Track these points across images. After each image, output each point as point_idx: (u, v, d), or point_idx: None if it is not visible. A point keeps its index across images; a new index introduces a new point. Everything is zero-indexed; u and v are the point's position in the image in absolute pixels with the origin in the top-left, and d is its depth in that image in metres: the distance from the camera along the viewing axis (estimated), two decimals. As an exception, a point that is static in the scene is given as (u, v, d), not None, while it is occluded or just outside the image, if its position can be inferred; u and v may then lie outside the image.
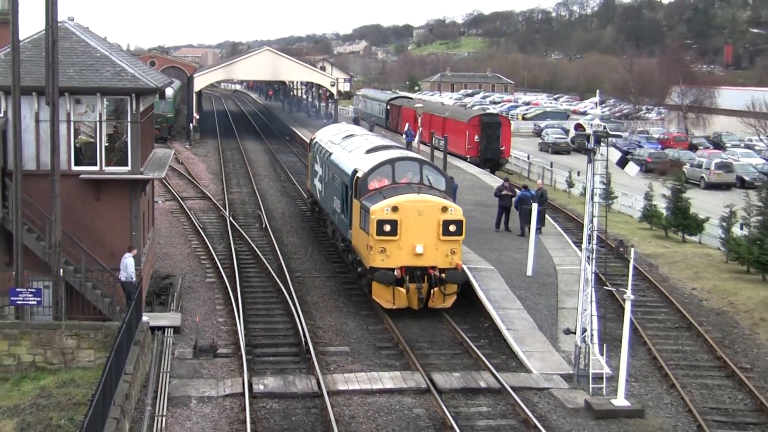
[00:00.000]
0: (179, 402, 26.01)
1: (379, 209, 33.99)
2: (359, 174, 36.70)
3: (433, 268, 34.22)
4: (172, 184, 60.71)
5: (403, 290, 33.90)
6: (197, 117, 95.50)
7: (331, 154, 44.40)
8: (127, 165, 32.28)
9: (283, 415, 25.54)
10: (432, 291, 34.38)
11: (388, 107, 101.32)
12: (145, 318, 30.00)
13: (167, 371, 27.87)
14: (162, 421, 24.44)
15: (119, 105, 32.60)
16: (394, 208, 33.87)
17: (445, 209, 34.32)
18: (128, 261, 31.50)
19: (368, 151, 39.95)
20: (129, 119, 32.19)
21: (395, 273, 33.81)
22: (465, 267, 35.79)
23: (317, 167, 48.50)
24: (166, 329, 31.37)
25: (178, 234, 47.71)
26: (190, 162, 75.01)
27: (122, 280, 31.33)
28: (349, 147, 43.11)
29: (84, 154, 32.45)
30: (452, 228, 34.28)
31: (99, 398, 20.79)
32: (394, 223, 33.81)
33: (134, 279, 31.35)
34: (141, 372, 27.09)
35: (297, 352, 30.45)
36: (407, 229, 33.97)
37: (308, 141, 58.34)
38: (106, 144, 32.43)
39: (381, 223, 33.77)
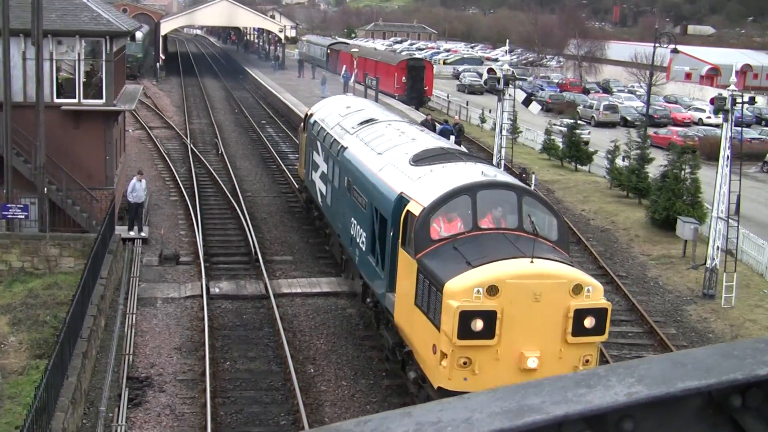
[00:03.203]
0: (147, 302, 26.07)
1: (464, 290, 16.51)
2: (413, 208, 18.84)
3: None
4: (140, 115, 59.86)
5: None
6: (163, 58, 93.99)
7: (344, 148, 26.54)
8: (102, 98, 31.90)
9: (236, 314, 25.73)
10: None
11: (329, 51, 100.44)
12: (117, 230, 29.92)
13: (137, 276, 27.88)
14: (132, 318, 24.50)
15: (95, 46, 32.11)
16: (492, 290, 16.43)
17: (578, 289, 16.83)
18: (135, 183, 32.10)
19: (418, 160, 21.56)
20: (104, 58, 31.75)
21: None
22: None
23: (317, 158, 30.87)
24: (136, 240, 31.32)
25: (146, 159, 47.19)
26: (156, 96, 73.92)
27: (130, 200, 31.88)
28: (376, 143, 24.83)
29: (65, 88, 31.99)
30: (589, 322, 16.90)
31: (79, 298, 20.85)
32: (490, 317, 16.49)
33: (142, 200, 32.23)
34: (114, 277, 27.07)
35: (248, 261, 30.51)
36: (513, 326, 16.63)
37: (303, 116, 37.68)
38: (84, 80, 32.00)
39: (467, 317, 16.37)
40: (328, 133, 29.67)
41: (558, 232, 18.92)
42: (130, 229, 31.78)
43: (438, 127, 44.52)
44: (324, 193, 29.68)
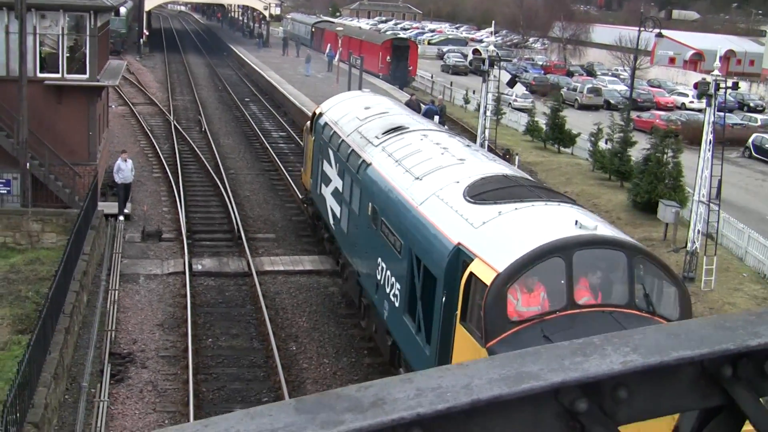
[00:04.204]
0: (129, 278, 26.04)
1: None
2: (480, 270, 13.98)
3: None
4: (124, 91, 59.59)
5: None
6: (147, 33, 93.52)
7: (366, 163, 21.52)
8: (85, 73, 31.72)
9: (218, 291, 25.74)
10: None
11: (313, 30, 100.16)
12: (100, 206, 29.82)
13: (119, 252, 27.83)
14: (115, 294, 24.49)
15: (79, 20, 31.91)
16: None
17: None
18: (120, 164, 31.93)
19: (477, 195, 16.37)
20: (87, 33, 31.58)
21: None
22: None
23: (329, 170, 25.82)
24: (118, 218, 31.23)
25: (129, 135, 47.00)
26: (140, 72, 73.53)
27: (117, 181, 31.84)
28: (411, 161, 19.72)
29: (48, 63, 31.78)
30: None
31: (61, 274, 20.79)
32: None
33: (129, 181, 32.12)
34: (97, 253, 27.01)
35: (230, 238, 30.49)
36: None
37: (310, 114, 31.75)
38: (67, 55, 31.80)
39: None
40: (343, 140, 24.22)
41: (680, 309, 14.03)
42: (121, 211, 31.53)
43: (423, 107, 44.50)
44: (338, 215, 24.46)
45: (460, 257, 14.74)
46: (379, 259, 19.33)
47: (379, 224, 19.48)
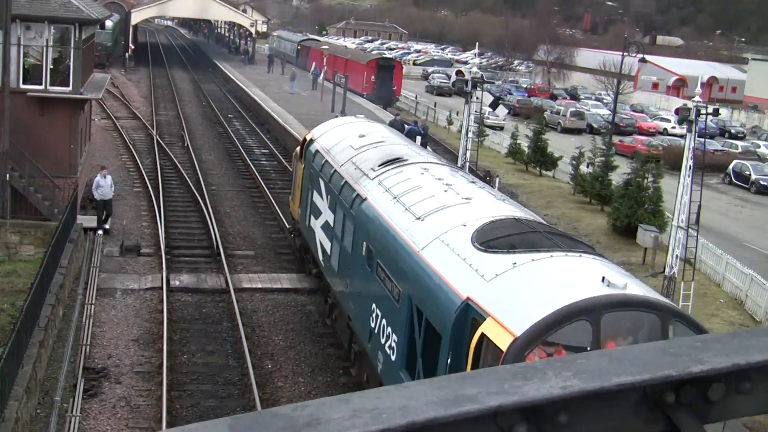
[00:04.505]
0: (106, 293, 25.90)
1: None
2: (494, 332, 12.24)
3: None
4: (107, 105, 59.48)
5: None
6: (132, 47, 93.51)
7: (361, 198, 19.90)
8: (68, 86, 31.68)
9: (195, 307, 25.64)
10: None
11: (299, 47, 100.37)
12: (79, 220, 29.69)
13: (97, 266, 27.69)
14: (91, 308, 24.33)
15: (64, 33, 31.86)
16: None
17: None
18: (99, 180, 31.65)
19: (488, 242, 14.73)
20: (72, 45, 31.54)
21: None
22: None
23: (319, 201, 24.12)
24: (96, 232, 31.09)
25: (111, 148, 46.89)
26: (124, 86, 73.45)
27: (96, 197, 31.56)
28: (411, 198, 18.08)
29: (31, 74, 31.70)
30: None
31: (37, 287, 20.66)
32: None
33: (109, 197, 31.79)
34: (74, 266, 26.86)
35: (209, 254, 30.40)
36: None
37: (302, 140, 28.58)
38: (51, 67, 31.73)
39: None
40: (336, 171, 22.56)
41: None
42: (99, 226, 31.31)
43: (406, 127, 44.60)
44: (328, 251, 22.71)
45: (470, 314, 13.07)
46: (374, 305, 17.55)
47: (374, 267, 17.84)
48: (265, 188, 39.31)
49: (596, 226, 37.75)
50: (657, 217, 34.99)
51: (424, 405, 1.55)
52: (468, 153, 33.91)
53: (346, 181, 21.35)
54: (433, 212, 16.78)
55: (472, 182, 19.68)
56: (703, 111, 28.66)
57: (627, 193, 36.14)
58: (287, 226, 31.79)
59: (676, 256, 29.13)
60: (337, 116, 46.54)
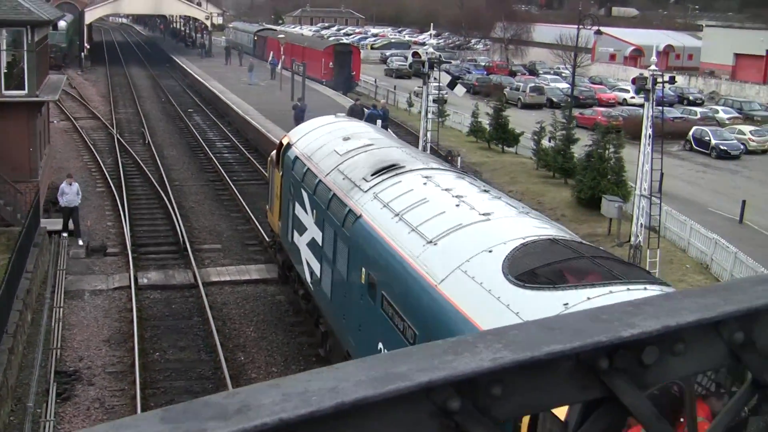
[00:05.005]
0: (74, 295, 25.73)
1: None
2: None
3: None
4: (66, 106, 58.95)
5: None
6: (88, 47, 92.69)
7: (355, 215, 17.18)
8: (24, 89, 31.36)
9: (165, 304, 25.53)
10: None
11: (256, 38, 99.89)
12: (43, 223, 29.43)
13: (63, 269, 27.46)
14: (60, 311, 24.14)
15: (16, 35, 31.52)
16: None
17: None
18: (63, 187, 30.94)
19: (525, 274, 11.89)
20: (25, 48, 31.20)
21: None
22: None
23: (303, 215, 21.31)
24: (60, 233, 30.81)
25: (71, 150, 46.51)
26: (81, 86, 72.83)
27: (61, 204, 30.80)
28: (416, 216, 15.34)
29: (-15, 79, 31.39)
30: None
31: (4, 293, 20.47)
32: None
33: (75, 204, 30.83)
34: (40, 270, 26.64)
35: (176, 250, 30.26)
36: None
37: (278, 144, 25.54)
38: (6, 71, 31.39)
39: None
40: (321, 181, 19.85)
41: None
42: (64, 230, 30.74)
43: (366, 111, 44.53)
44: (317, 273, 19.92)
45: None
46: (380, 344, 15.01)
47: (378, 300, 15.15)
48: (229, 181, 39.14)
49: (560, 199, 37.94)
50: (620, 188, 35.21)
51: (354, 385, 1.55)
52: (429, 133, 33.98)
53: (334, 194, 18.71)
54: (448, 234, 14.12)
55: (485, 191, 16.44)
56: (659, 80, 28.88)
57: (589, 165, 36.32)
58: (267, 240, 29.24)
59: (641, 224, 29.36)
60: (297, 104, 46.52)
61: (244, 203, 35.03)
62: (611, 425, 1.80)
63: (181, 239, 30.50)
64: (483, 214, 14.48)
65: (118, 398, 19.87)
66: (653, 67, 29.60)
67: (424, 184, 16.76)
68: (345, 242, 17.45)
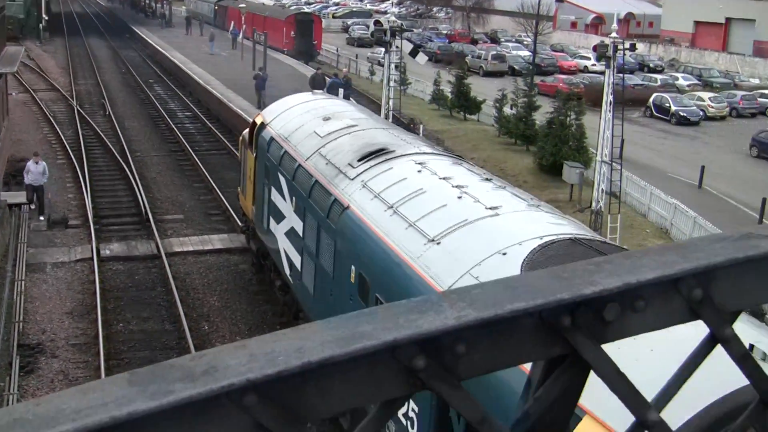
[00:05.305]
0: (36, 268, 25.51)
1: None
2: None
3: None
4: (24, 78, 58.14)
5: None
6: (46, 18, 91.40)
7: (342, 206, 15.58)
8: (-21, 61, 30.94)
9: (128, 275, 25.39)
10: None
11: (216, 8, 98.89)
12: (3, 196, 29.10)
13: (24, 242, 27.20)
14: (21, 284, 23.93)
15: (-30, 7, 31.08)
16: None
17: None
18: (29, 165, 30.34)
19: None
20: (-21, 20, 30.77)
21: None
22: None
23: (281, 202, 19.75)
24: (23, 206, 30.49)
25: (31, 122, 45.95)
26: (40, 58, 71.86)
27: (26, 182, 30.25)
28: (413, 208, 13.87)
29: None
30: None
31: (-38, 266, 20.27)
32: None
33: (40, 183, 30.15)
34: (1, 243, 26.38)
35: (138, 221, 30.07)
36: None
37: (251, 124, 23.68)
38: (-40, 42, 30.96)
39: None
40: (301, 166, 18.33)
41: None
42: (40, 213, 30.12)
43: (328, 80, 44.38)
44: (297, 266, 18.44)
45: None
46: None
47: (372, 303, 13.37)
48: (191, 151, 38.88)
49: (523, 166, 38.10)
50: (581, 154, 35.43)
51: (319, 345, 1.55)
52: (391, 102, 33.93)
53: (317, 181, 17.17)
54: (451, 231, 12.70)
55: (487, 179, 14.93)
56: (620, 47, 29.05)
57: (551, 132, 36.50)
58: (240, 224, 27.29)
59: (602, 190, 29.59)
60: (258, 74, 46.23)
61: (206, 173, 34.85)
62: (573, 381, 1.82)
63: (143, 210, 30.30)
64: (490, 208, 13.07)
65: (82, 370, 19.80)
66: (614, 34, 29.75)
67: (419, 171, 15.32)
68: (330, 235, 15.92)
